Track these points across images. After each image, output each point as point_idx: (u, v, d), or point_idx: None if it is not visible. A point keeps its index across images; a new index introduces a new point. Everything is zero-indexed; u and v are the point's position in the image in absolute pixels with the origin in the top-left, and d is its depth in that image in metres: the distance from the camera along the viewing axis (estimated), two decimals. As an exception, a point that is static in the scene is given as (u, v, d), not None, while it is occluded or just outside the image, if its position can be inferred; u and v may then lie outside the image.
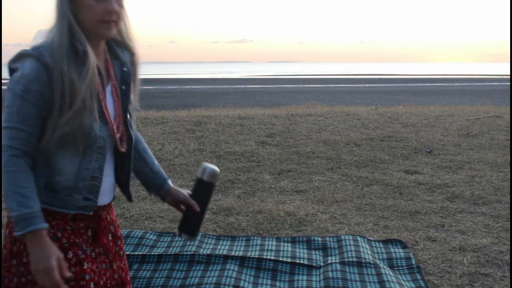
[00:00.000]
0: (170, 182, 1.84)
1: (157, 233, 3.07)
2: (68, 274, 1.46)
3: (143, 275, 2.52)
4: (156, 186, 1.84)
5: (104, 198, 1.62)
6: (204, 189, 1.80)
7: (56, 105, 1.47)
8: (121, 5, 1.51)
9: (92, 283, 1.58)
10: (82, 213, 1.56)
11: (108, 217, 1.69)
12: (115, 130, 1.60)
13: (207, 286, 2.39)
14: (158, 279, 2.48)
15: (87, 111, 1.50)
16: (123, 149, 1.66)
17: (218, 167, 5.06)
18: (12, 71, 1.51)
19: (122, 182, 1.74)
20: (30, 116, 1.46)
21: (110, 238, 1.69)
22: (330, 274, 2.50)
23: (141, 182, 1.89)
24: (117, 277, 1.72)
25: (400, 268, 2.65)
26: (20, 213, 1.40)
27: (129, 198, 1.76)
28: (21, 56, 1.48)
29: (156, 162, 1.89)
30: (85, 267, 1.57)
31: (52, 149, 1.51)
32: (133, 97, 1.67)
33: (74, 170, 1.52)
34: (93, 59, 1.50)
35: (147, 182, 1.86)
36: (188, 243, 2.89)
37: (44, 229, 1.44)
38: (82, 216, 1.57)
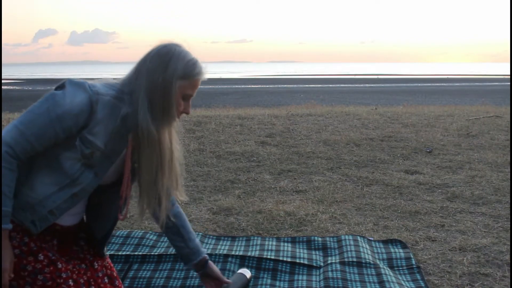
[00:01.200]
0: (208, 260, 2.10)
1: (157, 233, 3.07)
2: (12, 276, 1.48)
3: (143, 275, 2.52)
4: (191, 261, 2.06)
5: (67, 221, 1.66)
6: (244, 284, 2.29)
7: (72, 143, 1.52)
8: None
9: (70, 280, 1.60)
10: (44, 237, 1.60)
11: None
12: (124, 195, 1.71)
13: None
14: (158, 279, 2.48)
15: (94, 163, 1.56)
16: (121, 217, 1.78)
17: (218, 167, 5.08)
18: (60, 87, 1.52)
19: (97, 238, 1.77)
20: (45, 137, 1.48)
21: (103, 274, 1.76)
22: (330, 274, 2.50)
23: (179, 256, 2.12)
24: (101, 275, 1.75)
25: (400, 268, 2.65)
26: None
27: (101, 254, 1.79)
28: (80, 86, 1.51)
29: (194, 238, 2.08)
30: (59, 266, 1.59)
31: (40, 166, 1.54)
32: None
33: (44, 195, 1.55)
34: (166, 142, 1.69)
35: (183, 256, 2.08)
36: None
37: (7, 229, 1.46)
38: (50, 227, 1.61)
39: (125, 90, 1.58)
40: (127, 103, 1.56)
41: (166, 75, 1.55)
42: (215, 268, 2.12)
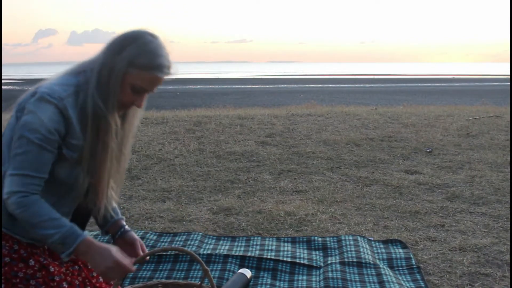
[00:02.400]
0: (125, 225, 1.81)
1: (157, 233, 3.07)
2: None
3: (143, 275, 2.52)
4: (107, 223, 1.80)
5: None
6: (244, 284, 2.31)
7: (60, 153, 1.50)
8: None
9: (64, 282, 1.59)
10: (34, 244, 1.58)
11: None
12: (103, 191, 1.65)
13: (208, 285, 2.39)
14: (159, 279, 2.48)
15: (84, 166, 1.55)
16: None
17: (218, 167, 5.08)
18: (20, 110, 1.47)
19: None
20: (47, 163, 1.48)
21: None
22: (330, 274, 2.50)
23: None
24: (96, 274, 1.74)
25: (400, 268, 2.65)
26: (61, 233, 1.43)
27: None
28: (41, 100, 1.45)
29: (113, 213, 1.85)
30: (51, 270, 1.58)
31: None
32: None
33: None
34: (114, 127, 1.55)
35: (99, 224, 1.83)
36: (188, 243, 2.90)
37: (88, 235, 1.48)
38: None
39: (83, 74, 1.52)
40: (83, 84, 1.50)
41: (119, 57, 1.46)
42: (133, 234, 1.81)
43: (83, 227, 1.73)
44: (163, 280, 1.80)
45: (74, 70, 1.56)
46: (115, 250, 1.50)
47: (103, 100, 1.49)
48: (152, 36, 1.51)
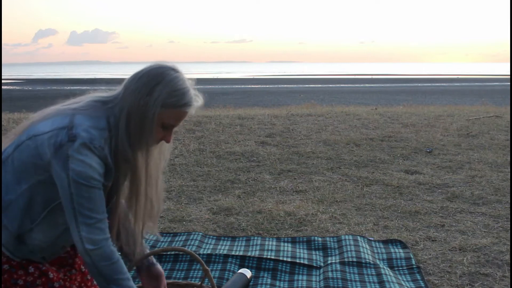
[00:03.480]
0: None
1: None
2: None
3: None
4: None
5: None
6: (244, 284, 2.30)
7: None
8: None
9: None
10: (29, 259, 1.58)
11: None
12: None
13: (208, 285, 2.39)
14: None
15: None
16: None
17: (218, 167, 5.07)
18: (67, 156, 1.44)
19: None
20: (100, 202, 1.51)
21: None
22: (330, 274, 2.50)
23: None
24: (90, 277, 1.74)
25: (400, 268, 2.65)
26: None
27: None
28: (84, 148, 1.45)
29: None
30: (50, 276, 1.58)
31: (50, 212, 1.52)
32: None
33: (54, 236, 1.55)
34: (143, 167, 1.60)
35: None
36: (188, 243, 2.90)
37: None
38: None
39: (111, 113, 1.53)
40: (114, 128, 1.52)
41: (149, 99, 1.47)
42: (159, 267, 1.85)
43: None
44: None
45: (102, 106, 1.55)
46: None
47: (131, 144, 1.52)
48: (175, 70, 1.53)
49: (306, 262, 2.67)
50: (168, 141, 1.59)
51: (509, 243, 2.97)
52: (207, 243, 2.94)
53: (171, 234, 3.07)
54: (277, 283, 2.46)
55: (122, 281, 1.47)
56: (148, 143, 1.54)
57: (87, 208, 1.44)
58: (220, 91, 26.43)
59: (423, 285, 2.43)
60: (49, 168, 1.45)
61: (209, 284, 1.63)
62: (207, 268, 1.60)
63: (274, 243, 2.91)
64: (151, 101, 1.47)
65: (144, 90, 1.48)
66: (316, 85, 34.27)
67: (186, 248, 2.81)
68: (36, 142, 1.47)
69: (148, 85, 1.48)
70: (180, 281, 1.81)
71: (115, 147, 1.51)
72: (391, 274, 2.53)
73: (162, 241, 2.96)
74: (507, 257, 2.77)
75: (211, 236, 3.05)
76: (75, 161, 1.42)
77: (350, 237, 2.99)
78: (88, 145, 1.44)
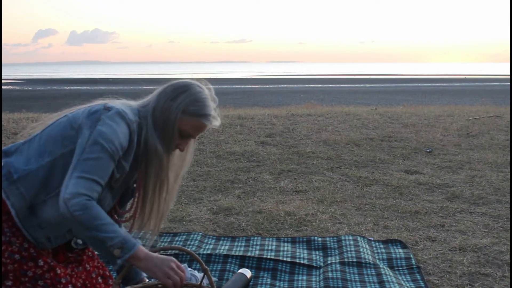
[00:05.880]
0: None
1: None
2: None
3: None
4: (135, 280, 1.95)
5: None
6: (244, 284, 2.31)
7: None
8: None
9: (70, 285, 1.60)
10: (34, 244, 1.59)
11: None
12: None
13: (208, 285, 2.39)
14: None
15: (115, 186, 1.64)
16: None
17: (218, 167, 5.07)
18: (99, 118, 1.54)
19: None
20: (108, 174, 1.54)
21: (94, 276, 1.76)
22: (330, 274, 2.50)
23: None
24: (95, 275, 1.75)
25: (400, 268, 2.65)
26: (121, 237, 1.46)
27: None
28: (122, 117, 1.56)
29: None
30: (58, 272, 1.59)
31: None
32: None
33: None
34: (166, 166, 1.71)
35: (128, 277, 1.96)
36: (188, 243, 2.90)
37: (140, 246, 1.52)
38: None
39: (141, 114, 1.64)
40: (143, 119, 1.63)
41: (173, 103, 1.61)
42: None
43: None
44: None
45: (133, 103, 1.68)
46: (169, 257, 1.56)
47: (162, 142, 1.63)
48: (201, 87, 1.68)
49: (306, 262, 2.67)
50: (181, 150, 1.69)
51: (509, 243, 2.97)
52: (207, 243, 2.94)
53: (171, 234, 3.07)
54: (277, 283, 2.46)
55: (104, 226, 1.44)
56: (169, 145, 1.65)
57: (90, 165, 1.47)
58: (220, 91, 26.40)
59: (423, 285, 2.43)
60: (78, 134, 1.53)
61: (209, 284, 1.62)
62: (206, 267, 1.60)
63: (274, 243, 2.91)
64: (174, 105, 1.61)
65: (170, 95, 1.63)
66: (316, 85, 34.27)
67: (186, 248, 2.81)
68: (72, 115, 1.59)
69: (175, 92, 1.63)
70: None
71: (145, 137, 1.61)
72: (391, 274, 2.53)
73: (162, 241, 2.96)
74: (507, 257, 2.77)
75: (211, 236, 3.05)
76: (104, 124, 1.51)
77: (350, 237, 2.99)
78: (121, 114, 1.55)
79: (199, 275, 2.36)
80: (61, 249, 1.69)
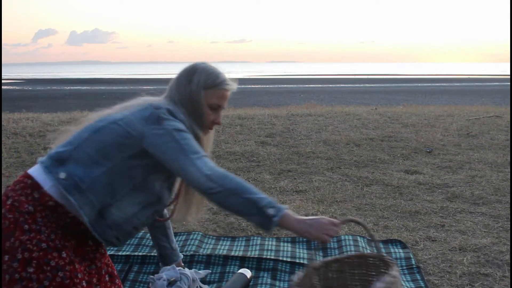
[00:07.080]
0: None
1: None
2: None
3: (143, 280, 2.52)
4: (172, 262, 2.26)
5: None
6: (244, 284, 2.33)
7: (160, 165, 1.67)
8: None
9: (84, 281, 1.62)
10: (100, 242, 1.69)
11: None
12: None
13: (209, 285, 2.39)
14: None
15: (172, 182, 1.76)
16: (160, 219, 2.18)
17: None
18: (164, 119, 1.65)
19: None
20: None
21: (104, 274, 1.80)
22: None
23: (159, 254, 2.29)
24: (104, 273, 1.77)
25: (400, 268, 2.65)
26: (269, 198, 1.63)
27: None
28: (169, 112, 1.67)
29: (174, 240, 2.30)
30: (76, 266, 1.62)
31: (128, 187, 1.65)
32: None
33: (131, 214, 1.67)
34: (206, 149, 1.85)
35: (165, 255, 2.28)
36: (188, 243, 2.90)
37: (286, 211, 1.67)
38: (75, 227, 1.63)
39: (178, 107, 1.74)
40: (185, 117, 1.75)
41: (191, 86, 1.74)
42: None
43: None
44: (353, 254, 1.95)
45: (161, 99, 1.79)
46: (318, 217, 1.64)
47: (198, 126, 1.76)
48: (204, 63, 1.81)
49: (306, 262, 2.67)
50: (218, 123, 1.81)
51: (509, 243, 2.97)
52: (207, 243, 2.94)
53: (171, 234, 3.07)
54: (277, 283, 2.46)
55: (250, 188, 1.58)
56: (205, 126, 1.79)
57: (193, 145, 1.60)
58: (220, 91, 26.38)
59: (423, 285, 2.43)
60: (141, 141, 1.61)
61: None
62: (373, 233, 1.75)
63: (274, 243, 2.91)
64: (194, 87, 1.74)
65: (185, 81, 1.75)
66: (316, 85, 34.28)
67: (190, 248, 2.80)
68: (124, 123, 1.64)
69: (188, 76, 1.76)
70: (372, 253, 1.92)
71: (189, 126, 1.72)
72: (391, 274, 2.53)
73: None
74: (507, 257, 2.77)
75: (211, 236, 3.05)
76: (166, 120, 1.63)
77: (350, 237, 2.99)
78: (172, 112, 1.66)
79: (203, 272, 2.40)
80: (80, 244, 1.70)
